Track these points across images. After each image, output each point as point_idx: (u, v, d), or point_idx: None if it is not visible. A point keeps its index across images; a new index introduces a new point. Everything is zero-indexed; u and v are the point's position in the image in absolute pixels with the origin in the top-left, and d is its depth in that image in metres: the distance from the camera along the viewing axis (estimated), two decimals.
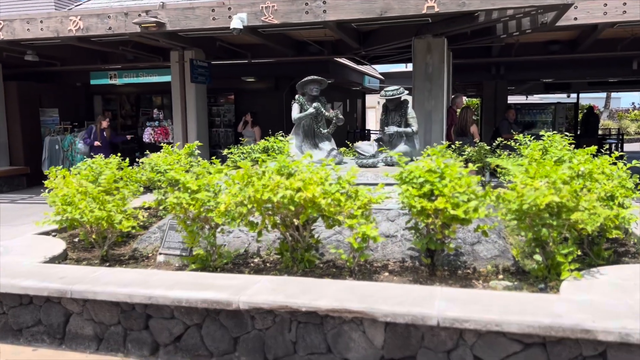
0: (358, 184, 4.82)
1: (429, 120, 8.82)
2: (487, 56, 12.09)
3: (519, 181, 3.53)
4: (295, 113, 5.72)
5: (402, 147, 5.82)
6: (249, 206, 3.60)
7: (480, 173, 7.73)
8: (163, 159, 6.07)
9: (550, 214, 3.47)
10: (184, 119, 9.95)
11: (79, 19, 8.35)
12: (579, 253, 4.11)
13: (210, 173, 4.13)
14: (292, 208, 3.53)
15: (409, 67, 13.48)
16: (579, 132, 17.04)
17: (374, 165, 5.56)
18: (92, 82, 13.23)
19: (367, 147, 6.16)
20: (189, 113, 9.94)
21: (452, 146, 7.76)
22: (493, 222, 4.13)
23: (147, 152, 7.74)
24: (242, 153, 8.29)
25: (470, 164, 7.93)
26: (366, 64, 12.75)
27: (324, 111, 5.68)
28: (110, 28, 8.28)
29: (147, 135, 10.62)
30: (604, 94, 30.73)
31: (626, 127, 29.34)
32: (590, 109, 18.38)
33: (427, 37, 8.67)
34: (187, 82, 9.82)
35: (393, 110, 6.03)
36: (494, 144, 7.49)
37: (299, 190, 3.52)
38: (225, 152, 7.93)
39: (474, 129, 8.88)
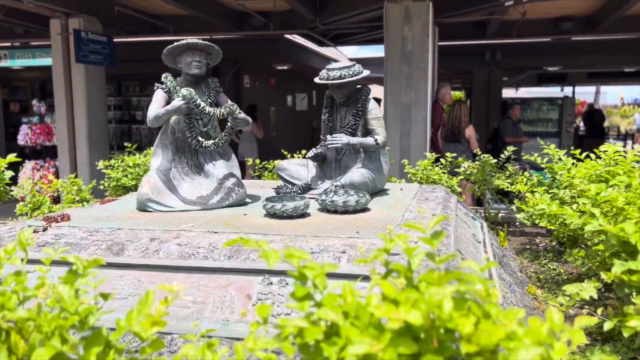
0: (250, 271, 2.16)
1: (407, 120, 6.20)
2: (481, 37, 9.53)
3: None
4: (153, 107, 3.00)
5: (356, 173, 3.18)
6: None
7: (483, 200, 5.14)
8: None
9: None
10: (70, 113, 7.15)
11: None
12: None
13: None
14: None
15: None
16: (579, 132, 14.73)
17: (299, 213, 2.82)
18: None
19: (298, 168, 3.50)
20: (76, 105, 7.15)
21: (442, 160, 5.11)
22: None
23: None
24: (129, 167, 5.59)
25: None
26: (329, 45, 10.04)
27: (202, 104, 2.96)
28: None
29: (23, 136, 7.78)
30: (593, 89, 28.45)
31: (616, 124, 27.26)
32: (592, 104, 16.10)
33: (405, 0, 6.04)
34: (72, 62, 7.03)
35: (344, 105, 3.40)
36: (504, 154, 4.87)
37: None
38: (100, 165, 5.22)
39: (470, 131, 6.27)
